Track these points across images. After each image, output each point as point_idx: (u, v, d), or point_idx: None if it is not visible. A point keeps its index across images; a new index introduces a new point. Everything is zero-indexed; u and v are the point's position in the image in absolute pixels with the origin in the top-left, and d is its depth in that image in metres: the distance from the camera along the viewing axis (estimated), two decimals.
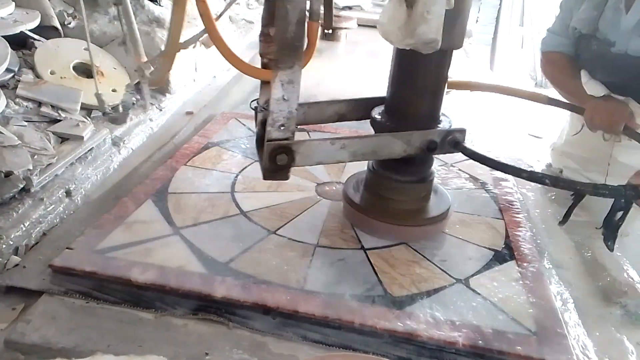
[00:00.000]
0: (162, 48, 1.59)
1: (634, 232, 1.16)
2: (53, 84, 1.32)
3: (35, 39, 1.44)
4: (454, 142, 0.91)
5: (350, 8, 3.49)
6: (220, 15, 0.92)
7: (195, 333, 0.75)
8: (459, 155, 1.37)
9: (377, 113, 0.99)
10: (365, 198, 1.02)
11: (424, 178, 0.99)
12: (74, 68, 1.42)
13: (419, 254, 0.95)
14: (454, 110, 1.72)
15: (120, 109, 1.10)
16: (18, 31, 1.36)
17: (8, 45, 1.29)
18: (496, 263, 0.94)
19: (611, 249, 0.89)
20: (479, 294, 0.86)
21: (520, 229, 1.06)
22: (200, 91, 1.86)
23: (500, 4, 4.20)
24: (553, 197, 1.27)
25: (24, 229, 0.93)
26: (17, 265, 0.86)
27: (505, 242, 1.01)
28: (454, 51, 0.92)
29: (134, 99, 1.51)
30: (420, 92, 0.93)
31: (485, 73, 2.39)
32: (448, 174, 1.29)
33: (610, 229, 0.86)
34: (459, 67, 1.78)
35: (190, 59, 1.83)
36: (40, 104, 1.27)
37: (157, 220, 0.98)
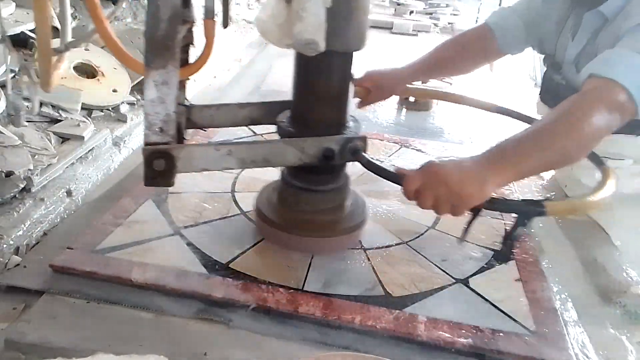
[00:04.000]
0: None
1: (634, 232, 1.16)
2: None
3: (35, 39, 1.44)
4: (353, 150, 0.84)
5: None
6: (112, 14, 0.85)
7: (195, 333, 0.75)
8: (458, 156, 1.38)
9: (283, 118, 0.92)
10: (275, 208, 0.96)
11: (333, 187, 0.93)
12: (75, 68, 1.43)
13: (419, 253, 0.95)
14: (449, 108, 1.72)
15: (12, 110, 1.05)
16: (19, 31, 1.37)
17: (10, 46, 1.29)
18: (496, 263, 0.94)
19: (506, 260, 0.91)
20: (479, 293, 0.86)
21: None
22: (201, 91, 1.86)
23: (499, 5, 4.21)
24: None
25: (24, 228, 0.93)
26: (17, 265, 0.86)
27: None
28: None
29: (134, 99, 1.51)
30: (320, 97, 0.87)
31: (485, 74, 2.39)
32: None
33: (510, 244, 0.89)
34: None
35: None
36: (41, 104, 1.27)
37: (157, 221, 0.98)
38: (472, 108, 1.28)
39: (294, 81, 0.89)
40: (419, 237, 1.01)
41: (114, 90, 1.44)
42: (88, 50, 1.48)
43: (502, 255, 0.90)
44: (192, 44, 0.79)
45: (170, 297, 0.80)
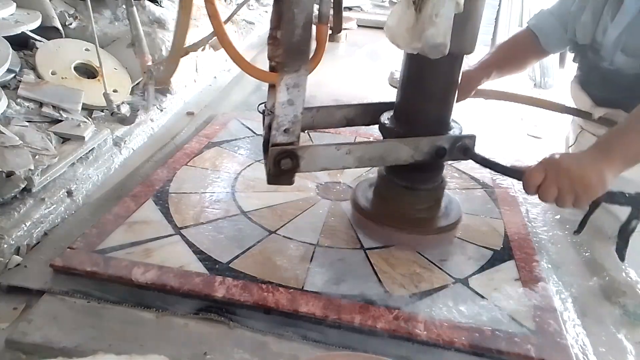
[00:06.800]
0: (163, 49, 1.60)
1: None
2: (54, 84, 1.33)
3: (36, 40, 1.44)
4: (463, 148, 0.89)
5: (350, 9, 3.49)
6: (229, 18, 0.89)
7: (196, 333, 0.75)
8: None
9: (385, 118, 0.97)
10: (373, 203, 1.01)
11: (433, 185, 0.97)
12: (75, 68, 1.43)
13: (419, 253, 0.95)
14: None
15: (129, 109, 1.09)
16: (19, 32, 1.37)
17: (9, 45, 1.29)
18: (496, 263, 0.95)
19: (622, 259, 0.86)
20: (479, 293, 0.86)
21: (519, 228, 1.06)
22: (201, 92, 1.86)
23: (499, 4, 4.21)
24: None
25: (25, 228, 0.93)
26: (18, 265, 0.86)
27: (505, 241, 1.02)
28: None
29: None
30: (429, 97, 0.91)
31: None
32: (447, 173, 1.29)
33: (624, 238, 0.83)
34: None
35: (191, 60, 1.83)
36: (41, 104, 1.27)
37: (158, 220, 0.99)
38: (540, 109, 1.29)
39: (402, 82, 0.93)
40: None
41: (115, 91, 1.44)
42: (88, 50, 1.48)
43: (617, 251, 0.87)
44: None
45: (170, 296, 0.80)
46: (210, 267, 0.87)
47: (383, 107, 1.00)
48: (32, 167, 1.02)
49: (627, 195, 0.80)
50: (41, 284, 0.81)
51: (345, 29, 2.74)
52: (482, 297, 0.85)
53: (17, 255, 0.89)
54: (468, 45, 0.86)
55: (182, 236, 0.94)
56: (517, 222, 1.09)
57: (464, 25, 0.82)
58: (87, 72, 1.45)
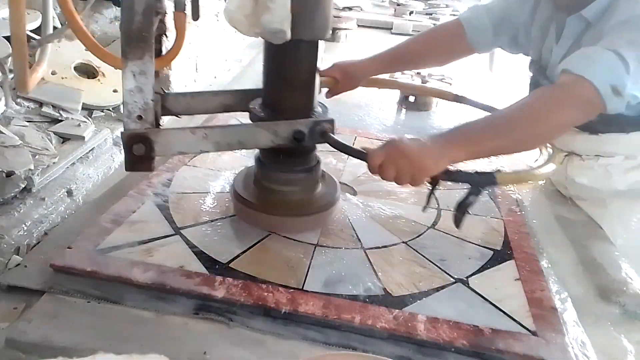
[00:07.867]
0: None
1: (632, 231, 1.16)
2: (54, 84, 1.33)
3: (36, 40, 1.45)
4: (321, 132, 0.90)
5: (350, 9, 3.49)
6: (85, 8, 0.87)
7: (195, 332, 0.75)
8: None
9: (256, 104, 0.98)
10: (251, 189, 1.02)
11: (305, 167, 1.00)
12: (75, 68, 1.43)
13: (419, 253, 0.96)
14: (449, 107, 1.72)
15: None
16: None
17: (9, 45, 1.29)
18: (495, 262, 0.95)
19: (458, 227, 0.90)
20: (478, 293, 0.86)
21: (518, 228, 1.07)
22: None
23: None
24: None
25: (25, 228, 0.93)
26: (18, 264, 0.86)
27: (504, 241, 1.02)
28: None
29: None
30: (287, 83, 0.93)
31: (484, 74, 2.39)
32: None
33: (461, 211, 0.88)
34: (458, 68, 1.78)
35: (191, 60, 1.83)
36: (41, 104, 1.27)
37: (157, 220, 0.99)
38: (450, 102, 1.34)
39: (264, 69, 0.94)
40: (418, 236, 1.01)
41: (115, 91, 1.44)
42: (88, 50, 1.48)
43: (455, 222, 0.90)
44: (165, 34, 0.82)
45: (170, 296, 0.80)
46: (210, 267, 0.86)
47: (258, 93, 1.01)
48: (32, 167, 1.03)
49: (463, 173, 0.85)
50: (41, 284, 0.81)
51: (345, 28, 2.75)
52: (482, 296, 0.85)
53: (17, 255, 0.89)
54: (319, 31, 0.87)
55: (182, 236, 0.94)
56: (517, 222, 1.09)
57: (314, 11, 0.84)
58: (87, 72, 1.45)
